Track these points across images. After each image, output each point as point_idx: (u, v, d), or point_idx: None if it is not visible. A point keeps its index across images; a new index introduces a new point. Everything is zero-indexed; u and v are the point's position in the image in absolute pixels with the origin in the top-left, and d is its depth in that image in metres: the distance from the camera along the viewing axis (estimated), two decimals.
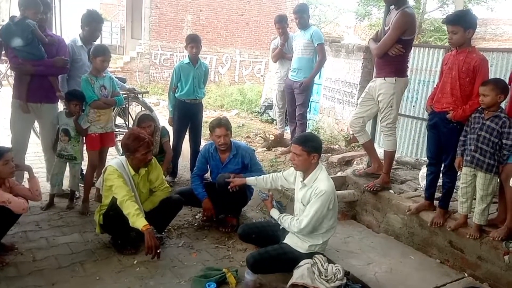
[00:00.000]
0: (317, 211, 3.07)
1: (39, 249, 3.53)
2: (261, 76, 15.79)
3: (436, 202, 3.77)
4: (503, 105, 3.32)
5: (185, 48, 5.17)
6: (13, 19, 4.11)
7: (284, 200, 4.40)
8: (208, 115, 8.38)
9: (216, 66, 15.56)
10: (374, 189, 4.20)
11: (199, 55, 5.18)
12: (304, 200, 3.23)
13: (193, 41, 5.05)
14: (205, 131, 5.46)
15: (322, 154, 5.64)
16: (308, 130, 5.96)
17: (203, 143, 5.54)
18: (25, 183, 3.75)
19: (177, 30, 14.92)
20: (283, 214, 3.33)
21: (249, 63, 16.09)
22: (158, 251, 3.31)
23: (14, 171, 3.41)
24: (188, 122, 5.33)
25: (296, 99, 5.61)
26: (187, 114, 5.27)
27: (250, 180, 3.77)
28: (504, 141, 3.16)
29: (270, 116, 8.49)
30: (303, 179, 3.27)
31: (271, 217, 3.44)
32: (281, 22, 5.89)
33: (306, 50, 5.45)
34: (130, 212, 3.32)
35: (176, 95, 5.20)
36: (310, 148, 3.15)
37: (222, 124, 4.11)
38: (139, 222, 3.30)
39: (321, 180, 3.16)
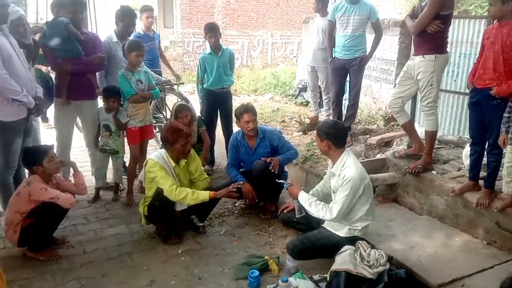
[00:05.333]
0: (346, 198, 3.06)
1: (88, 242, 3.71)
2: (294, 57, 15.57)
3: (481, 182, 3.64)
4: None
5: (205, 38, 5.16)
6: (47, 23, 4.25)
7: None
8: (242, 101, 8.39)
9: (248, 50, 15.46)
10: (416, 170, 4.09)
11: (226, 42, 5.17)
12: (335, 189, 3.22)
13: (210, 31, 5.02)
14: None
15: (360, 136, 5.61)
16: (344, 112, 5.80)
17: (235, 129, 5.56)
18: (71, 179, 3.91)
19: (208, 16, 14.86)
20: (313, 198, 3.28)
21: (281, 45, 15.88)
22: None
23: (59, 167, 3.57)
24: (217, 111, 5.37)
25: (353, 77, 5.30)
26: (216, 103, 5.30)
27: (303, 198, 3.40)
28: None
29: (305, 99, 8.38)
30: (331, 168, 3.29)
31: (298, 202, 3.35)
32: None
33: (361, 26, 5.16)
34: (187, 193, 3.50)
35: (204, 86, 5.24)
36: (322, 133, 3.22)
37: (249, 110, 4.13)
38: (202, 195, 3.54)
39: (347, 167, 3.15)
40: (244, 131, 4.19)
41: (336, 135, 3.21)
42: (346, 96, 5.94)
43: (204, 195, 3.56)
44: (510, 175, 3.28)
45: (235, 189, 3.65)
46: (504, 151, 3.40)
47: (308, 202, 3.27)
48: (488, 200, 3.48)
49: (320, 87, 6.49)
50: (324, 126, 3.30)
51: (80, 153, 5.69)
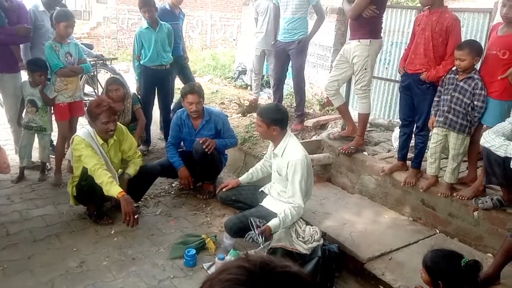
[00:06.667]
0: (300, 181, 3.07)
1: (12, 223, 3.47)
2: (234, 40, 15.47)
3: (408, 163, 3.85)
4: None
5: (140, 13, 4.96)
6: None
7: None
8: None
9: (186, 30, 15.12)
10: (349, 151, 4.24)
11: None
12: (279, 170, 3.24)
13: (145, 5, 4.79)
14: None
15: (297, 119, 5.68)
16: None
17: None
18: None
19: None
20: (278, 218, 3.04)
21: (221, 27, 15.71)
22: (136, 216, 3.25)
23: None
24: (154, 89, 5.19)
25: (294, 61, 5.25)
26: (153, 81, 5.11)
27: (245, 179, 3.59)
28: (475, 102, 3.22)
29: (244, 82, 8.37)
30: (274, 149, 3.28)
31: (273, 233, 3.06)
32: None
33: (301, 9, 5.08)
34: (104, 181, 3.26)
35: (141, 62, 5.03)
36: (269, 120, 3.12)
37: (194, 91, 4.01)
38: (113, 189, 3.24)
39: (291, 150, 3.15)
40: (187, 111, 4.09)
41: (283, 120, 3.21)
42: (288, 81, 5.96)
43: (114, 191, 3.21)
44: (433, 156, 3.49)
45: (134, 218, 3.22)
46: (430, 133, 3.61)
47: (281, 223, 3.02)
48: (415, 179, 3.68)
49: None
50: (270, 112, 3.18)
51: (2, 130, 5.28)
